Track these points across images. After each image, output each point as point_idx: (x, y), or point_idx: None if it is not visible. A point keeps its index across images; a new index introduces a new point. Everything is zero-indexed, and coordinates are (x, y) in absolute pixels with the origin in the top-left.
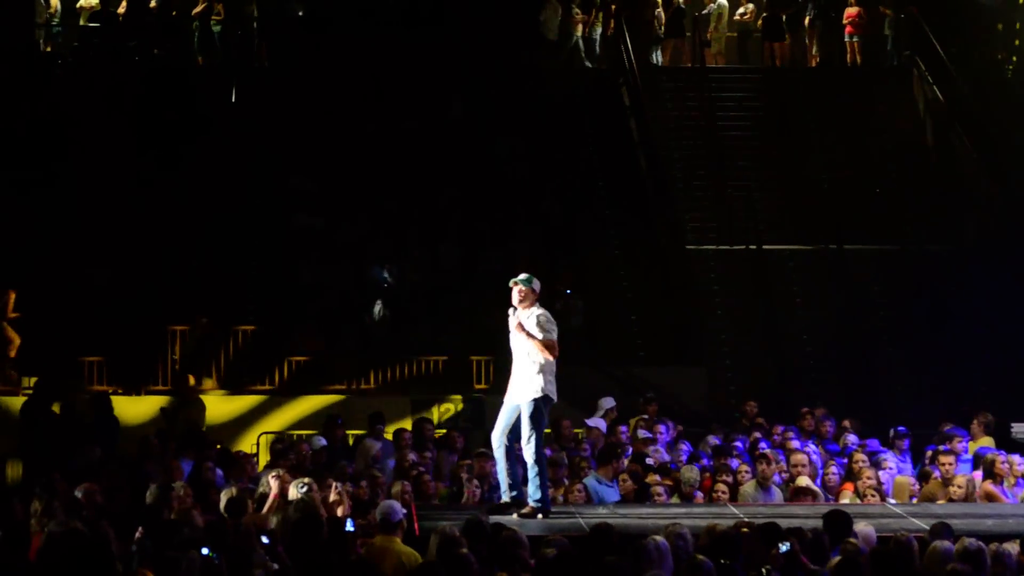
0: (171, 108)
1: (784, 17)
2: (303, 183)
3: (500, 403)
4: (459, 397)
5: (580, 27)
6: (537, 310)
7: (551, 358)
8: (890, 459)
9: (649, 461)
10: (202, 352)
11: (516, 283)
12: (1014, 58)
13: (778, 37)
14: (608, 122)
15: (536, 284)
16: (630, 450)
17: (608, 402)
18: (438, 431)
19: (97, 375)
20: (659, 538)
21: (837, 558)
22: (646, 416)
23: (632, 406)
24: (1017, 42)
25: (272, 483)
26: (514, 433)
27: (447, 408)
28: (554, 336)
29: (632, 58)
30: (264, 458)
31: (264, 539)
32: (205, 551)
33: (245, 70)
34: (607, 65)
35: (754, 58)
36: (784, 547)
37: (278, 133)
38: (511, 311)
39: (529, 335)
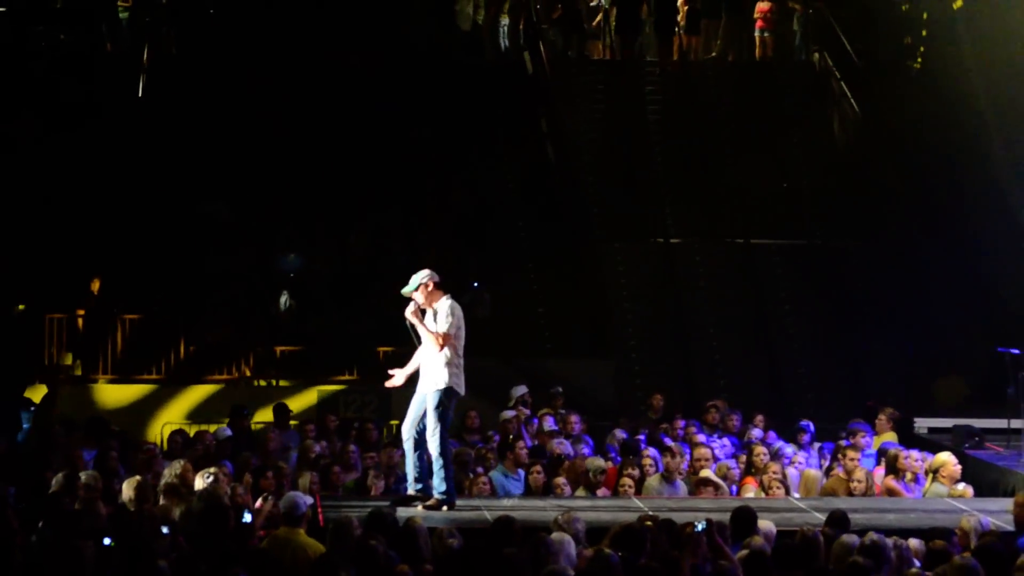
0: (76, 93)
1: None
2: (210, 172)
3: (406, 395)
4: (364, 388)
5: (490, 18)
6: (447, 302)
7: (439, 349)
8: (796, 454)
9: (535, 446)
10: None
11: (408, 294)
12: (919, 57)
13: (695, 31)
14: (518, 114)
15: (423, 277)
16: (530, 441)
17: (519, 390)
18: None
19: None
20: (560, 532)
21: (743, 552)
22: (552, 409)
23: (539, 399)
24: (922, 48)
25: (174, 472)
26: (423, 425)
27: (353, 399)
28: (447, 328)
29: (542, 50)
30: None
31: (164, 529)
32: (107, 541)
33: (153, 57)
34: (517, 57)
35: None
36: (700, 525)
37: (186, 121)
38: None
39: (423, 324)
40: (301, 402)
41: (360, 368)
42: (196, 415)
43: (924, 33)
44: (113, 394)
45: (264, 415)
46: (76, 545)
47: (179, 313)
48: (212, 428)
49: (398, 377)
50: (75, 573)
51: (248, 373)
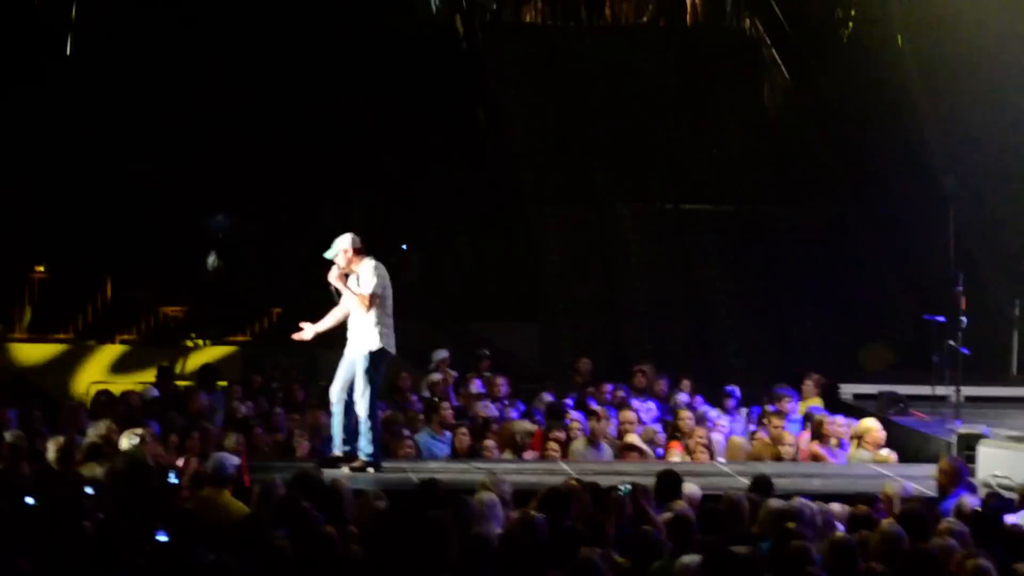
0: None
1: None
2: (138, 130)
3: (335, 357)
4: (291, 349)
5: None
6: (370, 263)
7: (366, 311)
8: (722, 419)
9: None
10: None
11: (331, 258)
12: (851, 23)
13: None
14: (448, 76)
15: (344, 242)
16: (455, 402)
17: (440, 354)
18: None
19: None
20: (487, 494)
21: (666, 515)
22: (478, 372)
23: (467, 362)
24: (853, 11)
25: (99, 433)
26: (352, 387)
27: (280, 360)
28: (372, 289)
29: (472, 10)
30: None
31: (89, 490)
32: (30, 501)
33: (81, 15)
34: (448, 17)
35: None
36: (625, 489)
37: (113, 79)
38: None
39: (348, 289)
40: (226, 362)
41: (286, 329)
42: (120, 374)
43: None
44: (34, 352)
45: (190, 375)
46: None
47: (104, 271)
48: (138, 388)
49: (307, 331)
50: None
51: (174, 333)
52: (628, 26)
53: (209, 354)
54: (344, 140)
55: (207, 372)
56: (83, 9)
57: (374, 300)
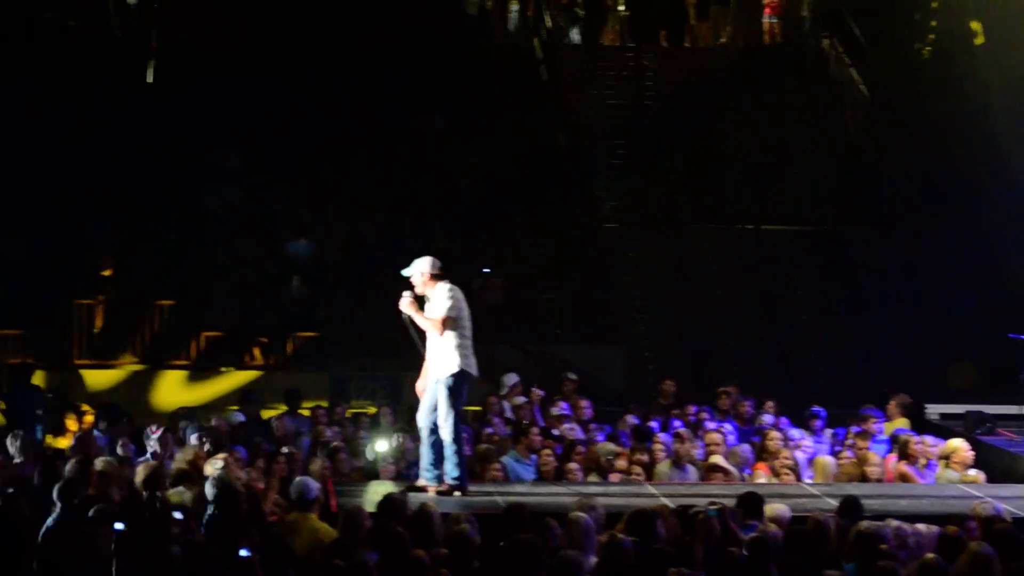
0: (85, 79)
1: None
2: (222, 157)
3: (416, 380)
4: (375, 373)
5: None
6: (444, 286)
7: (439, 334)
8: (806, 439)
9: (556, 433)
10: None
11: (408, 277)
12: (931, 35)
13: (704, 17)
14: (527, 100)
15: (424, 265)
16: (541, 422)
17: (511, 378)
18: (368, 408)
19: (13, 349)
20: (583, 517)
21: (750, 535)
22: (563, 394)
23: (550, 384)
24: (934, 23)
25: (186, 458)
26: (437, 411)
27: (364, 384)
28: (445, 312)
29: (551, 35)
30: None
31: (177, 515)
32: (119, 526)
33: (162, 42)
34: (526, 42)
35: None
36: (713, 511)
37: (195, 107)
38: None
39: (421, 314)
40: (312, 387)
41: (370, 352)
42: (210, 400)
43: (935, 4)
44: (104, 377)
45: (276, 400)
46: (88, 531)
47: (190, 299)
48: (224, 414)
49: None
50: (88, 558)
51: (259, 358)
52: (706, 47)
53: (293, 379)
54: (425, 165)
55: (291, 396)
56: (164, 37)
57: (447, 323)
